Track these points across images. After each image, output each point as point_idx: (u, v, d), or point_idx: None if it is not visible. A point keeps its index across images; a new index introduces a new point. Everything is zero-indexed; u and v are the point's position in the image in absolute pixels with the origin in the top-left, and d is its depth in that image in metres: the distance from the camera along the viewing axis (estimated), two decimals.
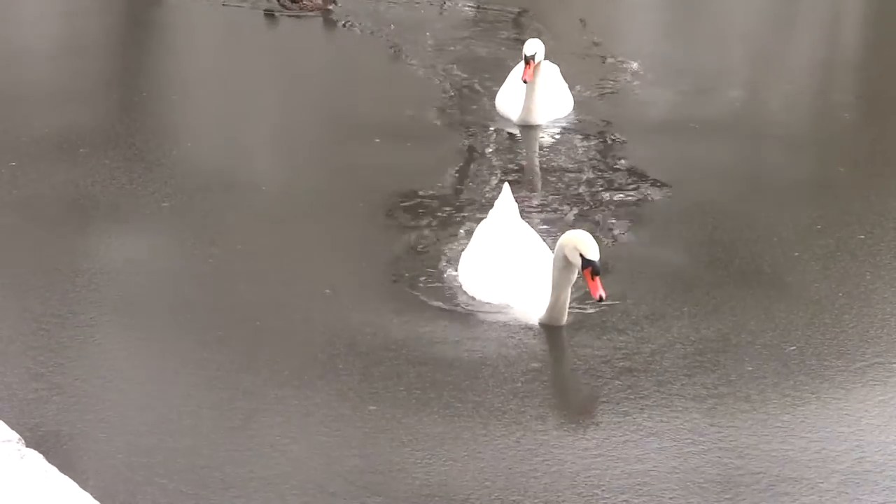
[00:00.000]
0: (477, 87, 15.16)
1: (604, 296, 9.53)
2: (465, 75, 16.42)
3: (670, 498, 8.58)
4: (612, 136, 13.78)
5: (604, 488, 8.71)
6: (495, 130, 11.93)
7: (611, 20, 20.20)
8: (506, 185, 10.90)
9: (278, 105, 15.74)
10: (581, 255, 9.46)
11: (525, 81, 11.73)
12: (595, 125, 14.21)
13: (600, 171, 13.16)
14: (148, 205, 12.88)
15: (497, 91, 13.64)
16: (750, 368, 9.92)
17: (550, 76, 13.20)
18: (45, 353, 9.99)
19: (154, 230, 12.32)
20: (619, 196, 12.58)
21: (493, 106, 14.04)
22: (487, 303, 10.16)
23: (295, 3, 14.15)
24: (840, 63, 19.22)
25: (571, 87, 14.65)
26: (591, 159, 13.29)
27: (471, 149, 13.11)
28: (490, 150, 12.36)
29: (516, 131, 12.16)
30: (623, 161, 13.46)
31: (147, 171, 13.82)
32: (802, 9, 21.95)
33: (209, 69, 17.78)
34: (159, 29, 19.26)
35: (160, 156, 14.57)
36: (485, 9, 20.85)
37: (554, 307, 9.95)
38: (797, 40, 20.22)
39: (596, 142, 13.71)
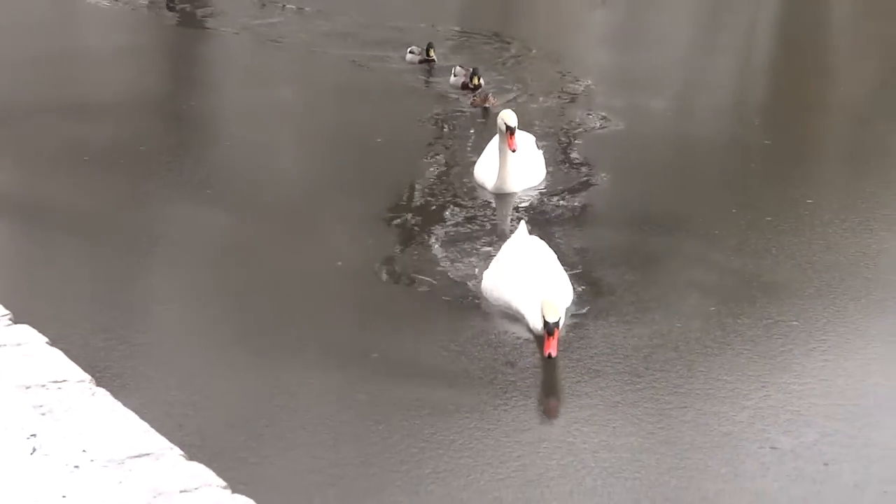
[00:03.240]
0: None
1: (553, 355, 9.19)
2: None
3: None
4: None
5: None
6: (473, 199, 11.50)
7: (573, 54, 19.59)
8: (522, 222, 10.50)
9: (304, 123, 15.54)
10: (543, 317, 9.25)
11: (513, 150, 11.09)
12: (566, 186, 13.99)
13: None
14: (195, 192, 12.84)
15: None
16: (679, 325, 9.89)
17: (525, 145, 12.34)
18: (114, 309, 9.99)
19: (200, 212, 12.29)
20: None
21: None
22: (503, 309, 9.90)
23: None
24: (755, 73, 18.97)
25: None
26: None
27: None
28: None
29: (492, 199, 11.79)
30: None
31: (194, 166, 13.78)
32: (726, 38, 21.54)
33: (254, 93, 17.57)
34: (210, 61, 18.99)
35: (203, 154, 14.52)
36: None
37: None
38: (721, 63, 19.98)
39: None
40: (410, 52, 15.59)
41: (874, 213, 12.70)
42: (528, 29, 19.61)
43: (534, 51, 17.89)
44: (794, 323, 10.02)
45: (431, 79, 14.46)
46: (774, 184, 13.65)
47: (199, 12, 19.88)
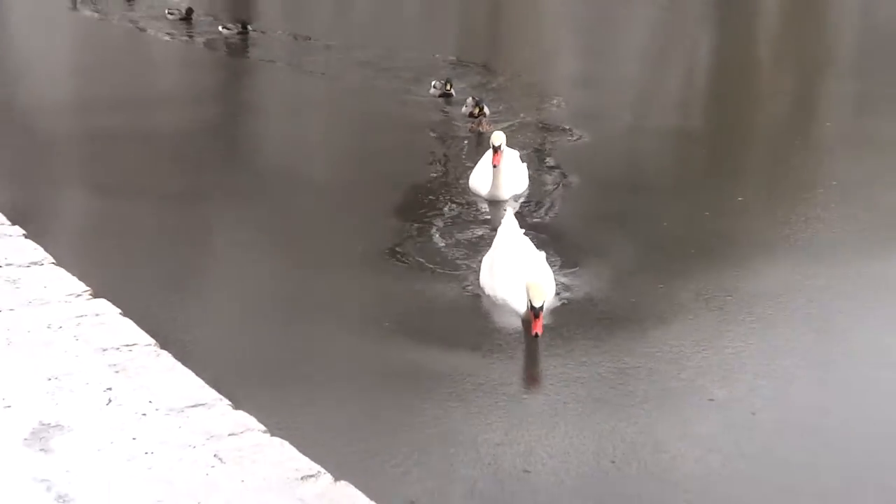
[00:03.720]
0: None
1: (539, 334, 9.08)
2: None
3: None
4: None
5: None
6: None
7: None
8: (509, 211, 10.43)
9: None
10: (530, 301, 9.21)
11: (495, 166, 11.04)
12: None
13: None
14: (243, 193, 12.83)
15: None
16: (633, 300, 9.89)
17: (511, 160, 12.20)
18: (175, 286, 10.00)
19: (246, 209, 12.29)
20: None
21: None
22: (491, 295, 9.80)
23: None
24: (695, 93, 18.88)
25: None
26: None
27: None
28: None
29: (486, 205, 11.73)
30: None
31: (242, 172, 13.77)
32: (674, 62, 21.48)
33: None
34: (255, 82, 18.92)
35: (250, 162, 14.50)
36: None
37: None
38: (669, 85, 19.90)
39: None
40: (433, 86, 15.46)
41: (796, 208, 12.70)
42: (511, 59, 19.58)
43: (516, 77, 17.81)
44: (729, 298, 10.02)
45: (447, 108, 14.31)
46: (710, 182, 13.64)
47: (243, 45, 19.72)
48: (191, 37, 19.76)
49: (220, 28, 19.78)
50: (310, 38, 19.61)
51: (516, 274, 9.40)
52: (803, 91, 18.91)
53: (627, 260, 10.60)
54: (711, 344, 9.22)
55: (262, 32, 19.77)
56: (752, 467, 7.44)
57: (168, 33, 20.53)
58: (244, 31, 19.17)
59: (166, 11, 21.67)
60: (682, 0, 26.37)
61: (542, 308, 8.97)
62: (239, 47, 19.54)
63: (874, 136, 15.67)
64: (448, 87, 15.16)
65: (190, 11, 20.99)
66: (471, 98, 14.19)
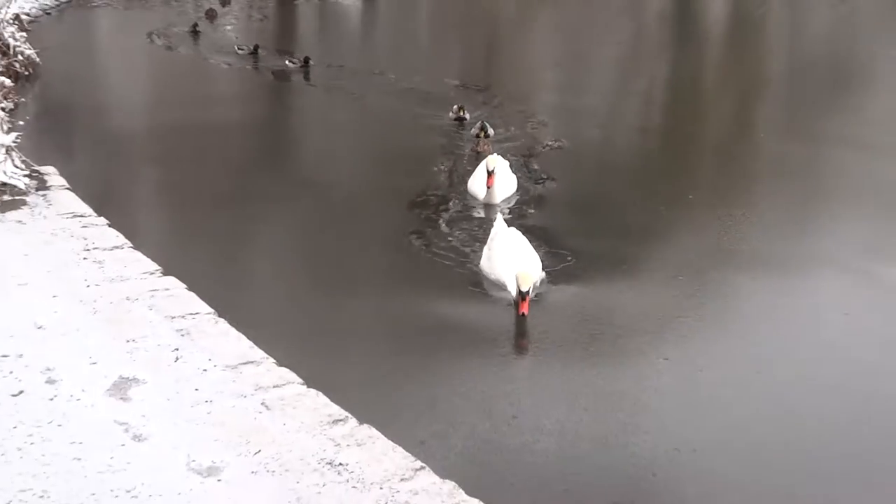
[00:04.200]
0: None
1: (525, 314, 9.02)
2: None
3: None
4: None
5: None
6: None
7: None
8: (499, 214, 10.45)
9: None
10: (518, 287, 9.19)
11: (489, 187, 10.76)
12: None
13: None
14: (287, 193, 12.79)
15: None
16: (604, 283, 9.86)
17: (503, 170, 11.93)
18: (230, 265, 10.01)
19: (290, 205, 12.25)
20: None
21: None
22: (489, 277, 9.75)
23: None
24: (657, 108, 18.81)
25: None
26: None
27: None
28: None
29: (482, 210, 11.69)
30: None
31: (285, 176, 13.73)
32: (642, 82, 21.45)
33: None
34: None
35: (290, 167, 14.48)
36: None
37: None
38: (635, 102, 19.82)
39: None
40: (452, 110, 15.36)
41: (735, 202, 12.69)
42: (504, 82, 19.42)
43: (509, 97, 17.72)
44: (681, 277, 10.01)
45: (460, 129, 14.26)
46: (665, 183, 13.62)
47: (288, 69, 19.67)
48: (257, 68, 19.55)
49: (286, 61, 19.63)
50: (342, 66, 19.48)
51: (509, 260, 9.39)
52: (741, 108, 18.88)
53: (598, 245, 10.57)
54: (667, 314, 9.21)
55: (312, 64, 19.59)
56: (698, 412, 7.49)
57: (228, 64, 20.38)
58: (305, 64, 19.07)
59: (236, 48, 21.46)
60: (641, 38, 26.16)
61: (528, 292, 8.98)
62: (297, 75, 19.43)
63: (801, 142, 15.67)
64: (462, 112, 15.11)
65: (257, 48, 20.91)
66: (479, 122, 14.03)
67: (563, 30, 26.49)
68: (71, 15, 25.04)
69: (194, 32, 22.36)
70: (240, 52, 20.93)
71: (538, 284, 9.42)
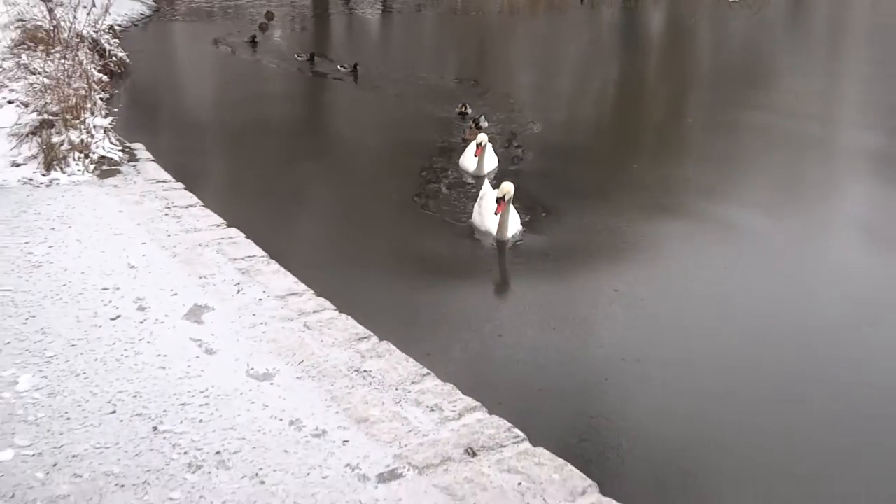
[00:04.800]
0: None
1: (498, 213, 9.10)
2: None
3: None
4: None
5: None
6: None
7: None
8: (486, 181, 10.27)
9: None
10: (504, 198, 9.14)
11: (496, 213, 9.48)
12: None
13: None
14: (323, 158, 12.76)
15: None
16: (568, 231, 9.86)
17: (490, 152, 11.67)
18: (279, 219, 9.97)
19: (322, 174, 12.24)
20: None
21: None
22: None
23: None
24: (613, 99, 18.71)
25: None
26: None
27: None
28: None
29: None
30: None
31: (317, 151, 13.71)
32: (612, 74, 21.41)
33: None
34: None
35: (323, 141, 14.44)
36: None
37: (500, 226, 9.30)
38: (608, 91, 19.72)
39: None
40: (457, 107, 15.02)
41: (673, 170, 12.67)
42: (492, 77, 19.24)
43: (495, 89, 17.59)
44: (628, 227, 9.98)
45: (462, 123, 14.09)
46: (616, 155, 13.60)
47: (324, 69, 19.49)
48: (314, 72, 19.15)
49: (338, 66, 19.11)
50: (371, 67, 19.21)
51: (492, 215, 9.37)
52: (674, 99, 18.77)
53: (563, 203, 10.55)
54: (618, 257, 9.18)
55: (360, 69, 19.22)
56: (640, 332, 7.48)
57: (285, 67, 19.97)
58: (354, 69, 18.62)
59: (295, 55, 20.60)
60: (595, 43, 25.97)
61: (503, 198, 9.02)
62: (349, 77, 19.18)
63: (720, 125, 15.64)
64: (465, 108, 14.87)
65: (313, 55, 20.22)
66: (482, 116, 13.74)
67: (536, 38, 26.29)
68: (153, 26, 24.89)
69: (252, 42, 22.03)
70: (298, 58, 20.33)
71: (518, 234, 9.43)
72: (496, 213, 9.23)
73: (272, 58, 20.73)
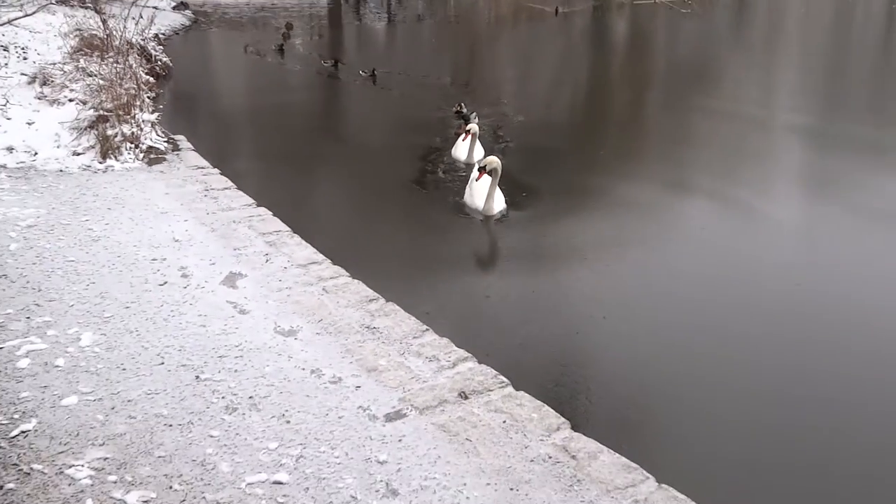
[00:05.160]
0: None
1: (478, 179, 9.17)
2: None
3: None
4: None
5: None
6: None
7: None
8: (476, 167, 9.96)
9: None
10: (485, 167, 9.15)
11: (477, 180, 9.46)
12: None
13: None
14: (338, 147, 12.72)
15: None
16: (547, 209, 9.83)
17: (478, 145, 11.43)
18: (302, 199, 9.97)
19: (336, 162, 12.17)
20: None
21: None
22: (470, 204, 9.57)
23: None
24: (584, 98, 18.64)
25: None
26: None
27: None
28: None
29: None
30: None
31: (332, 144, 13.64)
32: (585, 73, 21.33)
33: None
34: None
35: (336, 137, 14.37)
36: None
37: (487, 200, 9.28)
38: (582, 87, 19.63)
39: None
40: (455, 106, 14.69)
41: (633, 158, 12.65)
42: (481, 78, 19.14)
43: (483, 87, 17.51)
44: (598, 208, 9.98)
45: (457, 120, 13.92)
46: (587, 144, 13.56)
47: (337, 71, 19.35)
48: (337, 77, 18.78)
49: (359, 72, 18.55)
50: (381, 70, 19.01)
51: (482, 194, 9.34)
52: (636, 94, 18.68)
53: (542, 185, 10.50)
54: (588, 232, 9.18)
55: (357, 71, 19.06)
56: (607, 294, 7.48)
57: (308, 71, 19.67)
58: (373, 75, 18.18)
59: (322, 62, 20.20)
60: (569, 47, 25.83)
61: (484, 168, 9.09)
62: (334, 74, 19.10)
63: (675, 115, 15.59)
64: (461, 107, 14.61)
65: (337, 61, 19.81)
66: (474, 114, 13.43)
67: (518, 44, 26.13)
68: (192, 35, 24.71)
69: (280, 49, 21.67)
70: (325, 64, 19.93)
71: (503, 211, 9.42)
72: (476, 180, 9.28)
73: (295, 62, 20.55)
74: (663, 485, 4.24)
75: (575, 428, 4.69)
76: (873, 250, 8.65)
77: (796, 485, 4.97)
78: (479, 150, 11.32)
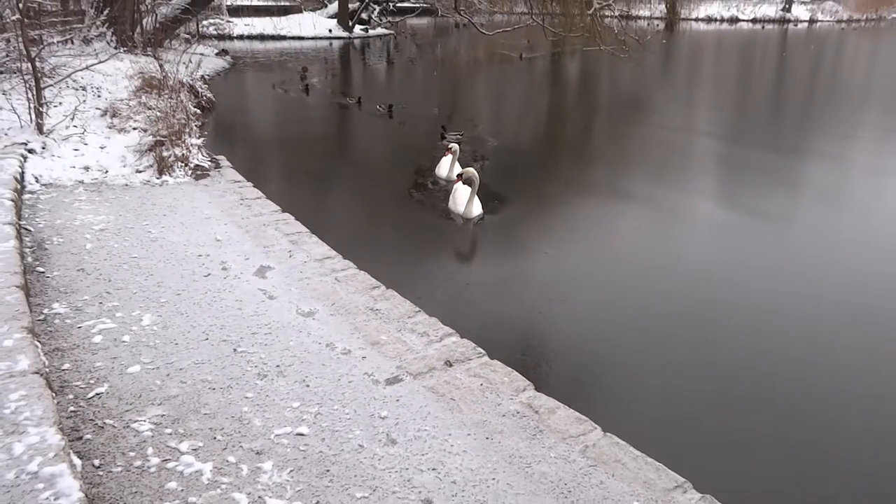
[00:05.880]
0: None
1: (455, 179, 9.17)
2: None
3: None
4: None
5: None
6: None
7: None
8: (459, 180, 9.81)
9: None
10: (462, 174, 9.14)
11: (455, 181, 9.56)
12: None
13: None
14: (346, 170, 12.65)
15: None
16: (518, 214, 9.79)
17: (455, 161, 11.08)
18: (317, 205, 9.91)
19: (341, 174, 12.10)
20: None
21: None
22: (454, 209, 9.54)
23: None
24: (547, 126, 18.56)
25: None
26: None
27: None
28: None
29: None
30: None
31: (340, 160, 13.57)
32: (550, 100, 21.33)
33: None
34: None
35: (341, 154, 14.28)
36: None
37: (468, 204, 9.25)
38: (546, 113, 19.59)
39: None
40: (441, 128, 14.49)
41: (588, 168, 12.63)
42: (462, 108, 19.04)
43: (463, 116, 17.43)
44: (555, 211, 9.94)
45: (441, 142, 13.78)
46: (551, 164, 13.50)
47: (360, 106, 19.25)
48: (359, 111, 18.14)
49: (377, 107, 17.88)
50: (389, 103, 18.89)
51: (462, 201, 9.32)
52: (589, 120, 18.68)
53: (513, 194, 10.48)
54: (550, 230, 9.15)
55: (378, 106, 18.71)
56: (564, 281, 7.46)
57: (335, 106, 19.13)
58: (390, 109, 17.50)
59: (346, 99, 19.41)
60: (533, 83, 25.77)
61: (461, 175, 9.15)
62: (327, 97, 18.92)
63: (624, 138, 15.59)
64: (444, 130, 14.42)
65: (360, 99, 18.96)
66: (452, 143, 13.28)
67: (491, 82, 26.07)
68: (231, 75, 24.51)
69: (306, 88, 21.18)
70: (349, 101, 19.22)
71: (481, 216, 9.38)
72: (455, 183, 9.29)
73: (315, 97, 20.41)
74: (608, 433, 4.24)
75: (538, 389, 4.68)
76: (768, 244, 8.73)
77: (712, 427, 4.99)
78: (458, 169, 11.12)
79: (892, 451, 4.80)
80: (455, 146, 11.12)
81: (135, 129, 11.05)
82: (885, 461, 4.70)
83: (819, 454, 4.76)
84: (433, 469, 3.85)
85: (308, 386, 4.61)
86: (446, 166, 11.22)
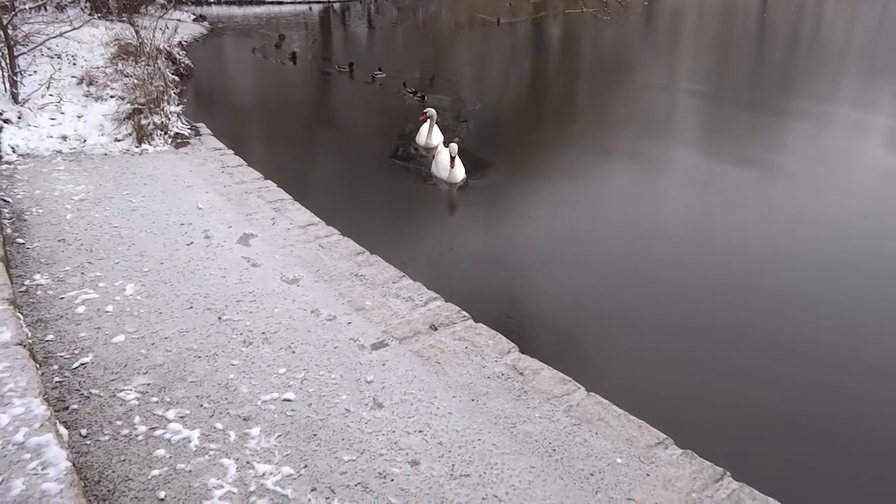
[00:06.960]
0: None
1: (453, 167, 9.04)
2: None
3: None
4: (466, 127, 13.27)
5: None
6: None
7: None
8: (441, 145, 9.82)
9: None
10: (451, 154, 9.09)
11: (452, 168, 9.21)
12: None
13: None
14: (328, 135, 12.53)
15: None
16: (500, 178, 9.75)
17: (435, 127, 10.78)
18: (300, 172, 9.83)
19: (330, 142, 12.00)
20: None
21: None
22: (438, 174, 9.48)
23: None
24: (527, 89, 18.42)
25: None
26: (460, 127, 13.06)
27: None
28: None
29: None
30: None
31: (327, 128, 13.42)
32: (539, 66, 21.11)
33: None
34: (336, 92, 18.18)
35: (333, 124, 14.12)
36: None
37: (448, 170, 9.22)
38: (533, 78, 19.40)
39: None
40: (414, 97, 14.23)
41: (565, 133, 12.58)
42: (443, 73, 18.78)
43: (446, 80, 17.23)
44: (537, 174, 9.92)
45: (421, 105, 13.51)
46: (530, 125, 13.44)
47: (329, 69, 18.92)
48: (352, 78, 17.45)
49: (371, 74, 16.99)
50: (362, 67, 18.65)
51: (446, 165, 9.29)
52: (569, 84, 18.56)
53: (496, 158, 10.41)
54: (532, 194, 9.12)
55: (376, 75, 18.00)
56: (544, 243, 7.45)
57: (328, 73, 18.44)
58: (379, 74, 16.87)
59: (336, 67, 18.45)
60: (514, 49, 25.52)
61: (453, 157, 9.04)
62: (327, 72, 18.66)
63: (605, 97, 15.52)
64: (415, 92, 14.25)
65: (352, 65, 18.09)
66: (428, 109, 13.05)
67: (474, 46, 25.78)
68: (210, 41, 24.03)
69: (293, 57, 20.07)
70: (340, 70, 18.29)
71: (464, 180, 9.34)
72: (451, 167, 9.15)
73: (300, 64, 20.00)
74: (591, 392, 4.28)
75: (522, 351, 4.71)
76: (752, 203, 8.76)
77: (694, 385, 5.05)
78: (437, 135, 10.95)
79: (871, 407, 4.89)
80: (432, 111, 10.91)
81: (112, 97, 10.85)
82: (862, 417, 4.79)
83: (799, 410, 4.83)
84: (420, 431, 3.89)
85: (294, 352, 4.60)
86: (425, 133, 11.07)
